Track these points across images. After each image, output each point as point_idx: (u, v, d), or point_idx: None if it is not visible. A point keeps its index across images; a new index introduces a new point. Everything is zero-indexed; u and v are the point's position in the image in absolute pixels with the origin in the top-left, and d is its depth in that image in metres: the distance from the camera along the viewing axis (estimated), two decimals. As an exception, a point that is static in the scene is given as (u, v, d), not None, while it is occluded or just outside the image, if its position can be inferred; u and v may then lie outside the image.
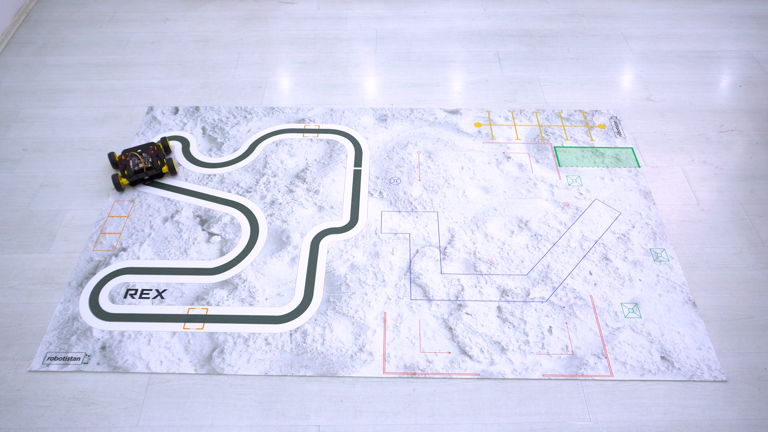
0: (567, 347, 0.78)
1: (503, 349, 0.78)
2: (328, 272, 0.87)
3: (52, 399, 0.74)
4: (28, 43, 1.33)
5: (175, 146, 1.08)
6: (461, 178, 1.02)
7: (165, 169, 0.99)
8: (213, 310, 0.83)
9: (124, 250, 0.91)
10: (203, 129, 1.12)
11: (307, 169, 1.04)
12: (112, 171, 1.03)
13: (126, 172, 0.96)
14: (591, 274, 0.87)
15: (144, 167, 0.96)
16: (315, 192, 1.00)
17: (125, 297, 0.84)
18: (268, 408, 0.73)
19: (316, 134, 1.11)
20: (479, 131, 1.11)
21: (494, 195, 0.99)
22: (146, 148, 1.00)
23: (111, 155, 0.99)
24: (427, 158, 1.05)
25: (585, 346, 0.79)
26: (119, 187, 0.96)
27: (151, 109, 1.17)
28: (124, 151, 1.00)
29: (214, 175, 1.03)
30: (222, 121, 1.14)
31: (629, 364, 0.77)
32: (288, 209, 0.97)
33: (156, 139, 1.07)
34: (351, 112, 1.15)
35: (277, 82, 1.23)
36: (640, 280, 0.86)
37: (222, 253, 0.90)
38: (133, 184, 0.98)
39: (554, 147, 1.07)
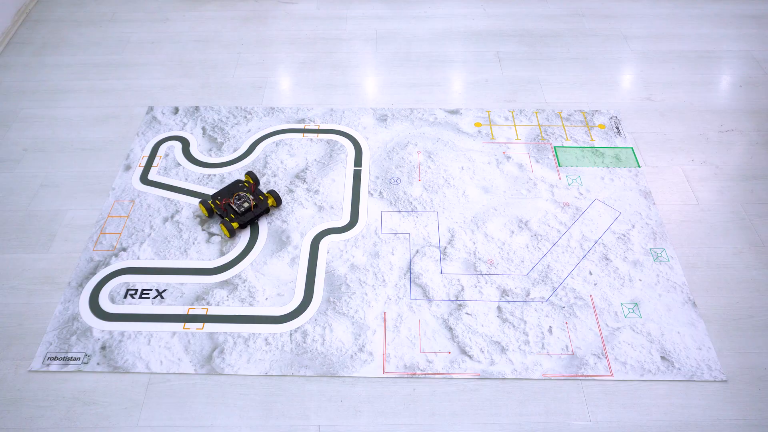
0: (567, 347, 0.78)
1: (503, 349, 0.78)
2: (328, 272, 0.87)
3: (52, 399, 0.74)
4: (28, 43, 1.33)
5: (174, 146, 1.08)
6: (461, 178, 1.02)
7: (271, 201, 0.93)
8: (213, 310, 0.83)
9: (124, 250, 0.90)
10: (203, 129, 1.12)
11: (307, 169, 1.04)
12: (117, 177, 1.02)
13: (233, 215, 0.89)
14: (591, 274, 0.87)
15: (251, 206, 0.90)
16: (315, 192, 0.99)
17: (125, 297, 0.84)
18: (268, 408, 0.73)
19: (316, 134, 1.11)
20: (479, 131, 1.11)
21: (494, 195, 0.99)
22: (238, 186, 0.93)
23: (205, 202, 0.91)
24: (427, 158, 1.05)
25: (585, 346, 0.78)
26: (233, 233, 0.89)
27: (151, 109, 1.17)
28: (217, 195, 0.92)
29: (214, 175, 1.03)
30: (222, 121, 1.14)
31: (629, 364, 0.77)
32: (288, 209, 0.97)
33: (241, 176, 0.98)
34: (351, 112, 1.15)
35: (277, 82, 1.23)
36: (640, 280, 0.86)
37: (222, 253, 0.90)
38: (243, 226, 0.91)
39: (554, 147, 1.07)
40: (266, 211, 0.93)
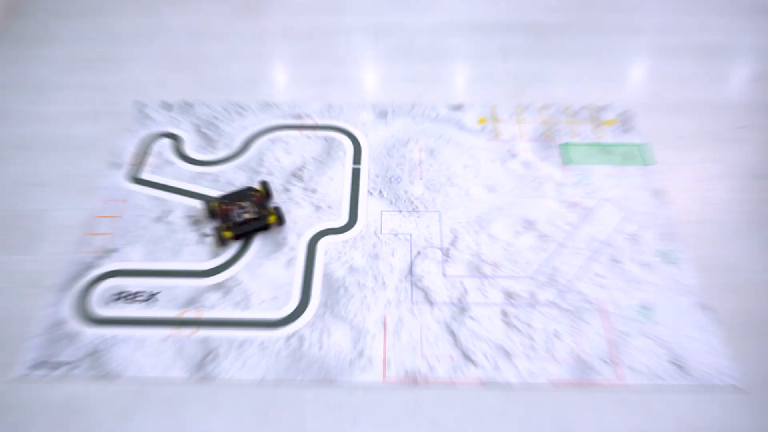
0: (574, 352, 0.76)
1: (508, 355, 0.76)
2: (325, 275, 0.85)
3: (40, 406, 0.71)
4: (17, 37, 1.29)
5: (165, 143, 1.05)
6: (464, 177, 0.98)
7: (272, 219, 0.86)
8: (206, 314, 0.80)
9: (114, 251, 0.88)
10: (196, 125, 1.09)
11: (304, 167, 1.01)
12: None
13: (230, 224, 0.84)
14: (599, 276, 0.84)
15: (250, 218, 0.84)
16: (312, 191, 0.96)
17: (115, 300, 0.81)
18: (263, 415, 0.71)
19: (313, 131, 1.07)
20: (483, 128, 1.07)
21: (499, 194, 0.96)
22: (246, 194, 0.88)
23: (209, 204, 0.88)
24: (429, 156, 1.02)
25: (593, 351, 0.76)
26: (223, 242, 0.84)
27: (142, 105, 1.13)
28: (223, 199, 0.88)
29: (208, 173, 1.00)
30: (216, 117, 1.10)
31: (639, 370, 0.74)
32: (284, 209, 0.94)
33: (255, 183, 0.93)
34: (350, 107, 1.12)
35: (273, 76, 1.20)
36: (651, 283, 0.83)
37: (216, 255, 0.87)
38: (237, 237, 0.86)
39: (561, 144, 1.04)
40: (264, 227, 0.88)
